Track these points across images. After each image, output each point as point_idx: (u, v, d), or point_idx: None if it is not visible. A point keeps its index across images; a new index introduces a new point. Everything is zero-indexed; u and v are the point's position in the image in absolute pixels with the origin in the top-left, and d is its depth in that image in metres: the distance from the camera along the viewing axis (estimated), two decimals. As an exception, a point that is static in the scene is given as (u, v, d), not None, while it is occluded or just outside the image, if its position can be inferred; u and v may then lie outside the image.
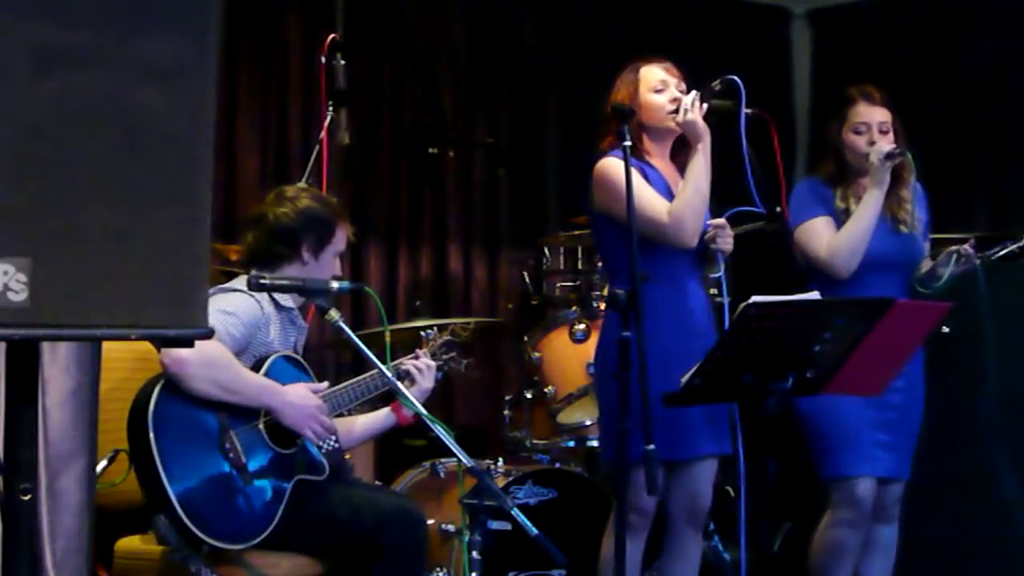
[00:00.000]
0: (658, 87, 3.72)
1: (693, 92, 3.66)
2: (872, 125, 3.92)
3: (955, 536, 4.52)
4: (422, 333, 3.94)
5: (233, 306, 3.39)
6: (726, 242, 3.69)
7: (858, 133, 3.93)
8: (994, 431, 4.27)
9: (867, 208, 3.85)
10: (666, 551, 3.82)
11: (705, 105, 3.63)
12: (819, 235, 3.92)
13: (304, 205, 3.56)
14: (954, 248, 3.90)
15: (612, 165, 3.63)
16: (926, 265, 4.00)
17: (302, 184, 4.12)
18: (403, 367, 3.69)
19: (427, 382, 3.70)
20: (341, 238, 3.62)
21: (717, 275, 3.70)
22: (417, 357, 3.75)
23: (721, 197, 3.77)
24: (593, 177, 3.71)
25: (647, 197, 3.59)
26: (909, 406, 3.93)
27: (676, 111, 3.67)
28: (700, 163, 3.62)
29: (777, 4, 6.66)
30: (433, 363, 3.75)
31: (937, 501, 4.46)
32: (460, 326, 4.06)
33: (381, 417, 3.76)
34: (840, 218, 3.93)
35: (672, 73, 3.75)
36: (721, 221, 3.70)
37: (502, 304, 5.91)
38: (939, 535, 4.50)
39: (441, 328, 4.01)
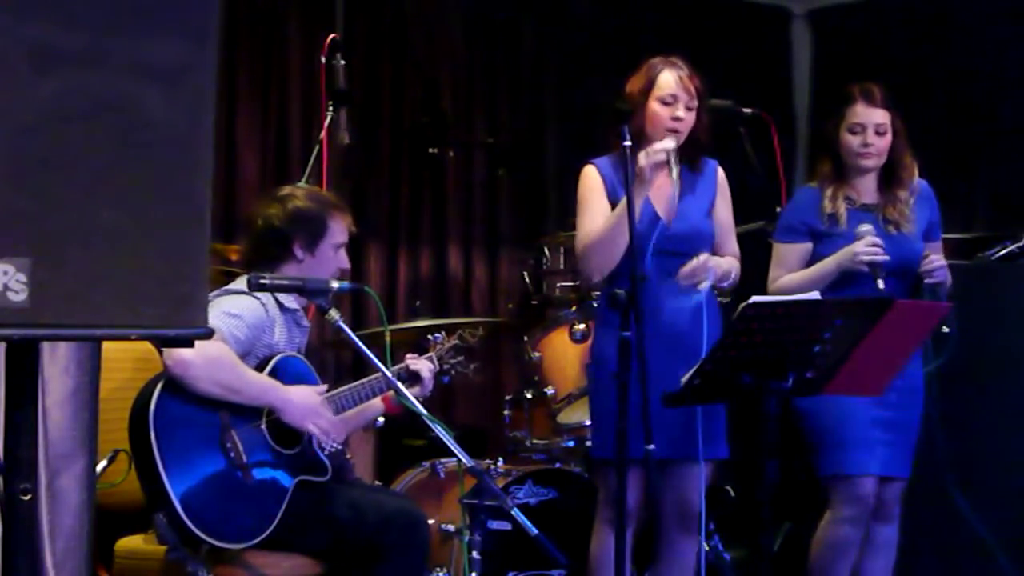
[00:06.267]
0: (667, 99, 3.63)
1: (658, 144, 3.52)
2: (868, 126, 3.89)
3: (954, 537, 4.52)
4: (430, 337, 3.91)
5: (238, 308, 3.38)
6: (703, 283, 3.57)
7: (853, 133, 3.91)
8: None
9: (817, 276, 3.84)
10: (660, 554, 3.83)
11: (673, 146, 3.52)
12: (779, 265, 3.95)
13: (292, 205, 3.55)
14: (931, 282, 3.88)
15: (584, 176, 3.70)
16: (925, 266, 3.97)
17: (300, 183, 4.11)
18: (412, 367, 3.68)
19: (428, 384, 3.70)
20: (337, 231, 3.58)
21: (707, 289, 3.61)
22: (418, 359, 3.75)
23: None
24: None
25: (587, 221, 3.60)
26: (908, 405, 3.92)
27: (673, 130, 3.59)
28: (623, 206, 3.47)
29: (777, 4, 6.65)
30: (435, 367, 3.74)
31: (936, 501, 4.45)
32: (468, 331, 4.04)
33: (369, 405, 3.70)
34: (824, 224, 3.90)
35: (685, 86, 3.62)
36: (697, 262, 3.57)
37: (502, 304, 5.91)
38: (939, 535, 4.50)
39: (448, 332, 4.00)
